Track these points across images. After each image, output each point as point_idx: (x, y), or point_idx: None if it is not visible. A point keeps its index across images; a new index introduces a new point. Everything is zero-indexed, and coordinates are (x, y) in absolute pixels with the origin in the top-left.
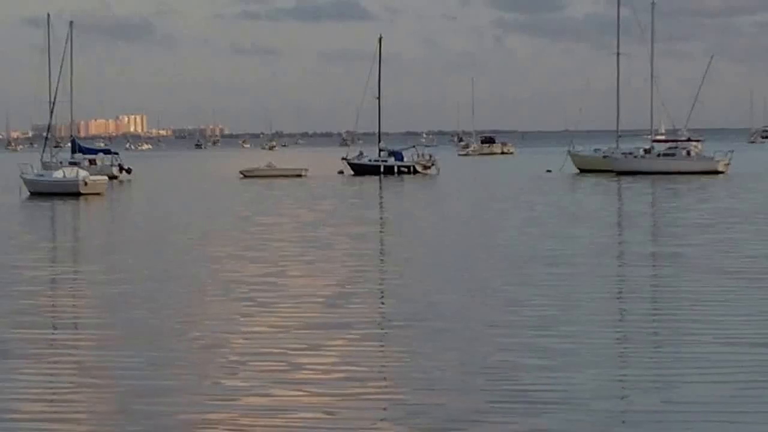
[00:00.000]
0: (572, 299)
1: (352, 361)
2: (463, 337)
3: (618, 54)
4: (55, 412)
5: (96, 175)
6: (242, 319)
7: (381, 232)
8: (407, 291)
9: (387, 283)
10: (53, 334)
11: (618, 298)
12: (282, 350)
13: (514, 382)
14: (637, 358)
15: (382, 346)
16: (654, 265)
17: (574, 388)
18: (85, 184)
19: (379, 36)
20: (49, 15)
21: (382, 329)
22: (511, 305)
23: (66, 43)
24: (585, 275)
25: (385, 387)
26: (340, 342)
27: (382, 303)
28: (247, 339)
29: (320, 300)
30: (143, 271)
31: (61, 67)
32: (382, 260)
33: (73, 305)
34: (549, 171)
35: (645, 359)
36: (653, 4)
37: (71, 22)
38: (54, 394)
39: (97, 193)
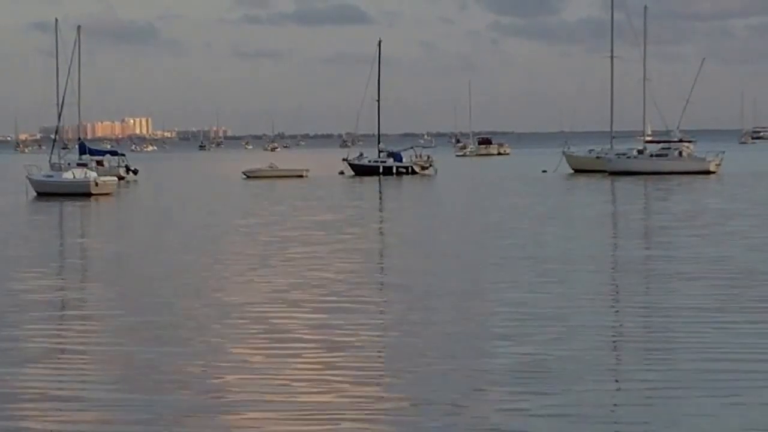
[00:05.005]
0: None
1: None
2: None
3: (612, 57)
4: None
5: (104, 175)
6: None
7: (380, 230)
8: (394, 294)
9: (375, 282)
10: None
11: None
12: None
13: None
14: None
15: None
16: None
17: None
18: (96, 184)
19: (378, 39)
20: (57, 20)
21: (370, 332)
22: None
23: (74, 46)
24: (561, 282)
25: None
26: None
27: (377, 306)
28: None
29: (319, 301)
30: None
31: (69, 70)
32: (379, 258)
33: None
34: (544, 171)
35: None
36: (646, 8)
37: (79, 27)
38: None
39: (107, 194)
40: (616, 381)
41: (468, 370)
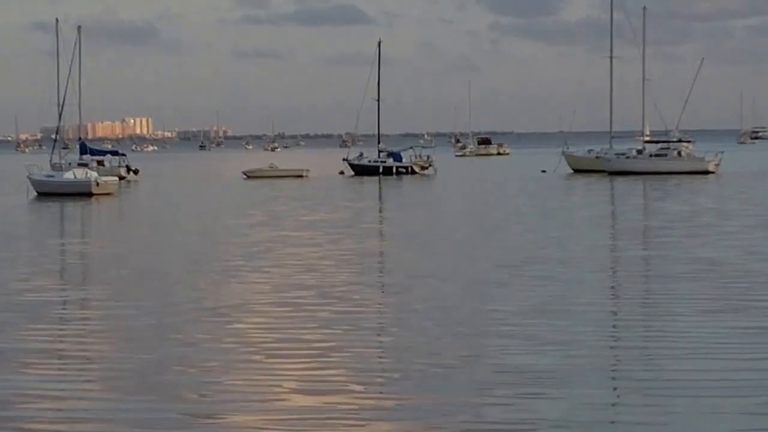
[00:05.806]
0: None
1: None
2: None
3: (611, 57)
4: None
5: (104, 175)
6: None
7: (379, 230)
8: (387, 293)
9: (374, 282)
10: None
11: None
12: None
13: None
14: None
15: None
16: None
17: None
18: (97, 184)
19: (378, 40)
20: (57, 20)
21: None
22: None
23: (74, 46)
24: (554, 284)
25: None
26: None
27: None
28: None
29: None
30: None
31: (69, 70)
32: (379, 261)
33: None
34: (543, 171)
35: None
36: (645, 8)
37: (79, 27)
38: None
39: (108, 194)
40: (615, 386)
41: (466, 372)
